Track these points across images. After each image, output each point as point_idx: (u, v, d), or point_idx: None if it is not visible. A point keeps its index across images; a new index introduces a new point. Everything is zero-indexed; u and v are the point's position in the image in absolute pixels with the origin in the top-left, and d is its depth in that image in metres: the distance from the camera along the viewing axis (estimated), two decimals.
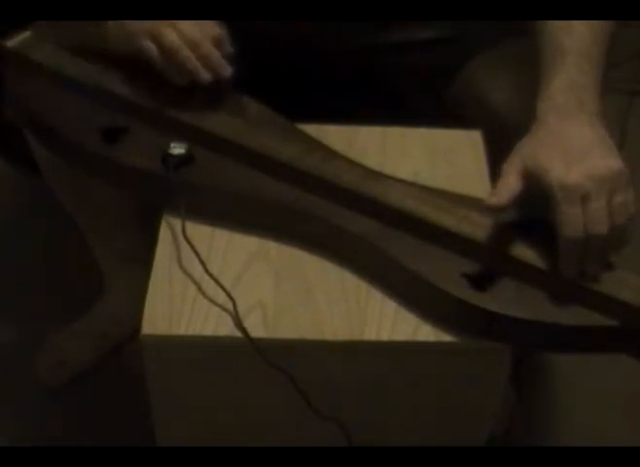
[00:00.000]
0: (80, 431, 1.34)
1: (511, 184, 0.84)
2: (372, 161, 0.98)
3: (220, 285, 0.89)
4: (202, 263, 0.90)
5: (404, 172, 0.99)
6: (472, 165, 1.04)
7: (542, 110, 0.88)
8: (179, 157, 0.95)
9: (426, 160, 1.05)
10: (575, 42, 0.90)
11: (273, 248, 0.94)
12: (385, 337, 0.87)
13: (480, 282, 0.86)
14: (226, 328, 0.87)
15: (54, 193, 1.26)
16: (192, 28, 0.98)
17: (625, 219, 0.83)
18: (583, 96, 0.87)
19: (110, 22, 0.99)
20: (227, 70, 0.99)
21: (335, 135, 1.04)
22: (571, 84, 0.88)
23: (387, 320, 0.88)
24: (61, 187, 1.25)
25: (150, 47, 0.97)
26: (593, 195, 0.82)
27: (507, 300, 0.85)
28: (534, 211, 0.86)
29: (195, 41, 0.97)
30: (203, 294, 0.90)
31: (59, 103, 1.01)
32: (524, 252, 0.87)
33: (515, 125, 0.91)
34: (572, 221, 0.82)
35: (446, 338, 0.87)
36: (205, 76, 0.98)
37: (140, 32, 0.97)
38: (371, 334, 0.87)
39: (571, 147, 0.84)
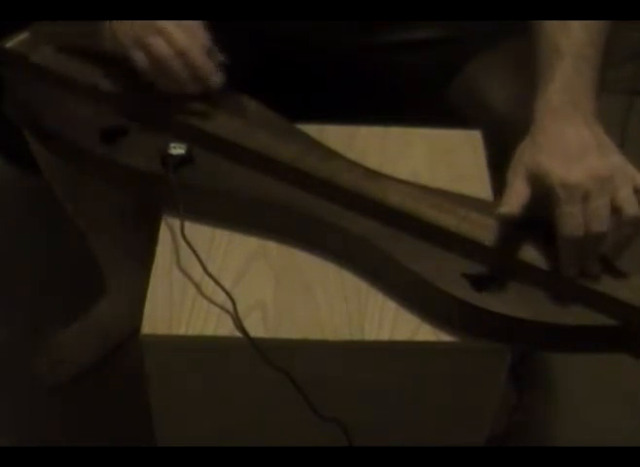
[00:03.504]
0: (80, 431, 1.34)
1: (519, 191, 0.85)
2: (372, 161, 0.98)
3: (220, 285, 0.89)
4: (202, 263, 0.90)
5: (404, 172, 0.99)
6: (472, 165, 1.04)
7: (539, 112, 0.88)
8: (179, 157, 0.95)
9: (426, 160, 1.05)
10: (572, 43, 0.90)
11: (273, 248, 0.94)
12: (385, 337, 0.87)
13: (480, 282, 0.86)
14: (226, 328, 0.87)
15: (54, 193, 1.26)
16: (181, 36, 0.96)
17: (637, 208, 0.82)
18: (579, 98, 0.88)
19: (104, 24, 0.98)
20: (216, 80, 0.98)
21: (335, 135, 1.04)
22: (568, 85, 0.88)
23: (387, 320, 0.88)
24: (61, 187, 1.25)
25: (139, 57, 0.96)
26: (594, 193, 0.82)
27: (507, 300, 0.85)
28: (537, 212, 0.86)
29: (185, 50, 0.96)
30: (203, 294, 0.90)
31: (59, 104, 1.01)
32: (525, 252, 0.87)
33: (515, 125, 0.91)
34: (572, 219, 0.82)
35: (446, 338, 0.87)
36: (194, 87, 0.97)
37: (128, 41, 0.96)
38: (371, 334, 0.87)
39: (570, 148, 0.85)
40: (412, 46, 1.13)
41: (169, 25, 0.96)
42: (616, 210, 0.82)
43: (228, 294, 0.88)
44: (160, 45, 0.95)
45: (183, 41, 0.96)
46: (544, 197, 0.84)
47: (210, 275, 0.89)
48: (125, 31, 0.96)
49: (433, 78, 1.14)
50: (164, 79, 0.97)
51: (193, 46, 0.96)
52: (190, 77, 0.97)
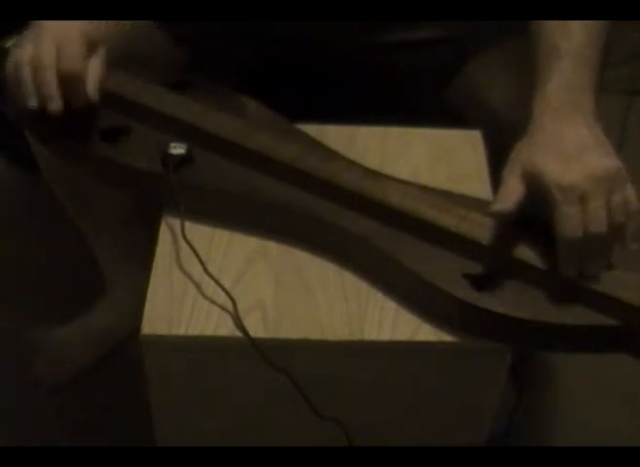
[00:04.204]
0: (80, 431, 1.34)
1: (513, 189, 0.85)
2: (372, 162, 0.98)
3: (220, 285, 0.89)
4: (202, 263, 0.90)
5: (404, 172, 0.99)
6: (472, 165, 1.04)
7: (537, 112, 0.88)
8: (179, 157, 0.95)
9: (426, 160, 1.05)
10: (571, 44, 0.90)
11: (273, 248, 0.94)
12: (385, 337, 0.87)
13: (480, 282, 0.86)
14: (226, 328, 0.87)
15: (54, 193, 1.26)
16: (49, 49, 0.91)
17: (625, 218, 0.83)
18: (578, 98, 0.88)
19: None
20: (55, 105, 0.91)
21: (335, 135, 1.04)
22: (566, 85, 0.88)
23: (387, 320, 0.88)
24: (61, 187, 1.25)
25: (11, 56, 0.94)
26: (591, 194, 0.82)
27: (507, 300, 0.85)
28: (535, 211, 0.86)
29: (41, 64, 0.91)
30: (203, 294, 0.90)
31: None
32: (524, 252, 0.87)
33: (514, 125, 0.91)
34: (570, 221, 0.82)
35: (446, 338, 0.87)
36: (32, 103, 0.91)
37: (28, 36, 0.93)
38: (371, 334, 0.87)
39: (567, 148, 0.85)
40: (412, 46, 1.13)
41: (49, 27, 0.93)
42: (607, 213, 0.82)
43: (228, 294, 0.88)
44: (27, 48, 0.92)
45: (47, 52, 0.91)
46: (541, 197, 0.84)
47: (210, 275, 0.89)
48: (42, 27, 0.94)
49: (433, 78, 1.14)
50: (16, 87, 0.93)
51: (52, 60, 0.91)
52: (30, 90, 0.91)
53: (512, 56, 1.10)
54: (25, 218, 1.66)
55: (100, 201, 1.25)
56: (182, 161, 0.95)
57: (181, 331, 0.87)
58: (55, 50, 0.92)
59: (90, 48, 0.94)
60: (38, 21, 0.94)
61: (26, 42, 0.93)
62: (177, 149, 0.95)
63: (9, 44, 1.04)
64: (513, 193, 0.85)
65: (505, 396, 0.94)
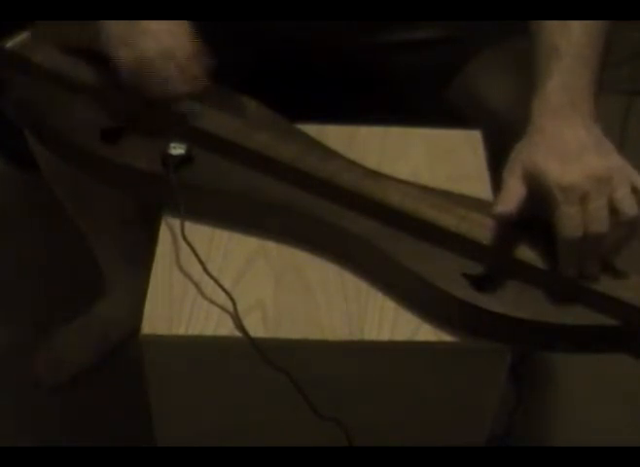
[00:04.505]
0: (79, 431, 1.34)
1: (514, 190, 0.85)
2: (371, 161, 0.98)
3: (220, 285, 0.89)
4: (202, 263, 0.90)
5: (404, 172, 0.98)
6: (472, 165, 1.04)
7: (536, 112, 0.88)
8: (179, 157, 0.95)
9: (426, 160, 1.05)
10: (570, 44, 0.90)
11: (273, 248, 0.94)
12: (385, 337, 0.87)
13: (480, 282, 0.86)
14: (226, 328, 0.87)
15: (54, 193, 1.26)
16: (166, 36, 0.95)
17: (635, 209, 0.82)
18: (577, 98, 0.88)
19: (96, 24, 0.97)
20: (201, 83, 0.97)
21: (335, 135, 1.04)
22: (566, 86, 0.88)
23: (387, 320, 0.88)
24: (62, 187, 1.25)
25: (123, 56, 0.95)
26: (592, 194, 0.82)
27: (507, 300, 0.85)
28: (535, 211, 0.86)
29: (170, 50, 0.95)
30: (203, 294, 0.90)
31: (59, 104, 1.01)
32: (524, 252, 0.87)
33: (514, 125, 0.91)
34: (571, 221, 0.82)
35: (446, 338, 0.87)
36: (178, 89, 0.96)
37: (112, 40, 0.95)
38: (371, 334, 0.87)
39: (567, 148, 0.85)
40: (412, 46, 1.13)
41: (154, 25, 0.95)
42: (613, 211, 0.82)
43: (228, 294, 0.88)
44: (145, 44, 0.94)
45: (168, 41, 0.95)
46: (542, 198, 0.84)
47: (210, 275, 0.89)
48: (110, 30, 0.95)
49: (433, 78, 1.14)
50: (147, 80, 0.96)
51: (178, 46, 0.96)
52: (174, 78, 0.96)
53: (512, 56, 1.10)
54: (25, 218, 1.66)
55: (100, 201, 1.25)
56: (182, 161, 0.95)
57: (181, 331, 0.87)
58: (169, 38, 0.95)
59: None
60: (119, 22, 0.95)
61: (119, 40, 0.94)
62: (177, 149, 0.95)
63: (9, 44, 1.04)
64: (514, 194, 0.85)
65: (505, 396, 0.94)
